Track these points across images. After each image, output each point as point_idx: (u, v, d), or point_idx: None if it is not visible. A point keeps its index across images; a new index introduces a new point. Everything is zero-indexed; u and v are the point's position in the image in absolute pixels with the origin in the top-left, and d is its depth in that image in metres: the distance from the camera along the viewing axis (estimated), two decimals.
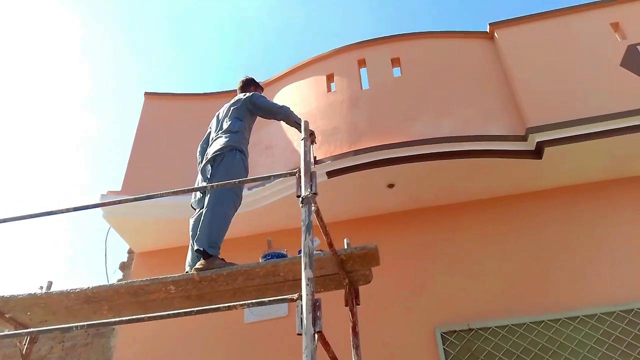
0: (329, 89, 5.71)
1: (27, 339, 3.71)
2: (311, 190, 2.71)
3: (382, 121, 5.15)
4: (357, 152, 4.88)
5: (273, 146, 5.51)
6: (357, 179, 4.95)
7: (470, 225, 5.18)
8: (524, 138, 4.73)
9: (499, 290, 4.71)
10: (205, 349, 4.92)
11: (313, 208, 2.70)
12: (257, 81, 4.35)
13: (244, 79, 4.29)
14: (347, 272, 3.43)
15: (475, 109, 5.07)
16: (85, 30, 16.82)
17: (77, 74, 17.75)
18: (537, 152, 4.72)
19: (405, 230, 5.26)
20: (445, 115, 5.04)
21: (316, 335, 2.19)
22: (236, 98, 4.02)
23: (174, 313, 2.47)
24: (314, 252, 3.50)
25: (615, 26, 5.33)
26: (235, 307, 2.39)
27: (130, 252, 6.00)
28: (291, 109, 3.86)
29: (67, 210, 3.36)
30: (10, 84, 16.54)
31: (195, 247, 3.34)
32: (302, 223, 2.59)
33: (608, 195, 5.03)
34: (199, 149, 4.02)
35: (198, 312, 2.43)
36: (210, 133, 3.99)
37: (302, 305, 2.25)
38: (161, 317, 2.50)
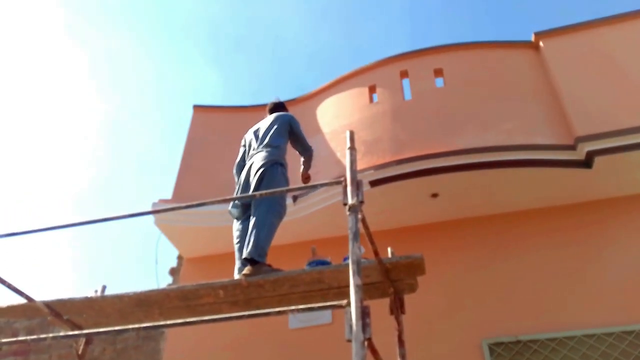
0: (371, 100, 5.77)
1: (83, 340, 3.90)
2: (358, 198, 2.75)
3: (424, 132, 5.16)
4: (399, 162, 4.91)
5: (316, 156, 5.59)
6: (400, 188, 4.96)
7: (516, 235, 5.09)
8: (572, 148, 4.64)
9: (548, 302, 4.61)
10: (251, 354, 5.02)
11: (359, 216, 2.75)
12: (285, 104, 4.56)
13: (275, 101, 4.50)
14: (392, 281, 3.44)
15: (520, 120, 5.02)
16: (128, 45, 17.51)
17: (109, 90, 18.45)
18: (586, 162, 4.62)
19: (450, 240, 5.23)
20: (490, 126, 5.00)
21: (366, 342, 2.23)
22: (276, 115, 4.17)
23: (225, 317, 2.56)
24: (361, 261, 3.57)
25: None
26: (285, 312, 2.46)
27: (179, 257, 6.20)
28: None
29: (123, 217, 3.52)
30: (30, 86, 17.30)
31: (244, 256, 3.44)
32: (349, 231, 2.64)
33: None
34: (235, 167, 4.16)
35: (249, 316, 2.51)
36: (245, 151, 4.13)
37: (351, 312, 2.29)
38: (212, 320, 2.60)
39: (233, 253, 3.85)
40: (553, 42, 5.48)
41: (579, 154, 4.63)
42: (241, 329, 5.03)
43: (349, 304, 2.33)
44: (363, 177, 4.81)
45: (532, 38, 5.61)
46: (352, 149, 3.08)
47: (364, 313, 2.29)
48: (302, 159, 4.20)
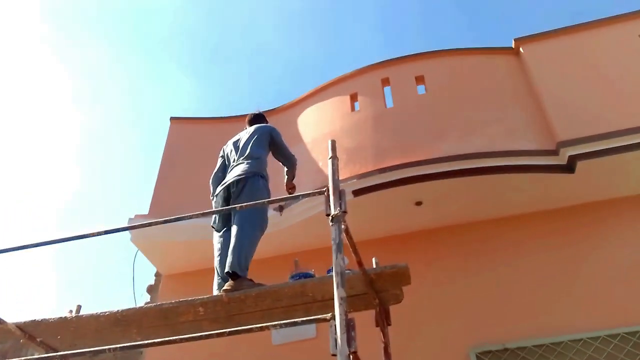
0: (352, 109, 5.72)
1: None
2: (341, 208, 2.68)
3: (407, 139, 5.12)
4: (382, 170, 4.85)
5: (297, 166, 5.51)
6: (383, 197, 4.90)
7: (501, 242, 5.07)
8: (554, 153, 4.64)
9: (535, 308, 4.58)
10: None
11: (342, 226, 2.67)
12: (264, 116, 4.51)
13: (255, 112, 4.46)
14: (377, 292, 3.36)
15: (503, 126, 5.01)
16: (105, 58, 17.29)
17: (87, 101, 18.18)
18: (569, 167, 4.61)
19: (435, 248, 5.17)
20: (472, 132, 4.98)
21: (351, 356, 2.14)
22: (257, 127, 4.10)
23: (205, 335, 2.45)
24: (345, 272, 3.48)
25: None
26: (267, 327, 2.36)
27: (157, 274, 6.03)
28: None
29: (98, 234, 3.38)
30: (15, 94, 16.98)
31: (226, 270, 3.33)
32: (332, 242, 2.56)
33: None
34: (212, 178, 4.06)
35: (230, 333, 2.40)
36: (224, 162, 4.05)
37: (335, 325, 2.20)
38: (193, 339, 2.48)
39: (212, 268, 3.72)
40: (533, 47, 5.51)
41: (561, 158, 4.63)
42: (223, 346, 4.87)
43: (333, 317, 2.24)
44: (346, 186, 4.72)
45: (513, 44, 5.64)
46: (334, 157, 3.01)
47: (348, 326, 2.20)
48: (285, 170, 4.12)
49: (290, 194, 4.04)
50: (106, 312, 3.48)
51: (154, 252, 5.60)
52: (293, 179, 4.09)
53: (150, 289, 5.93)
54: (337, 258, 2.48)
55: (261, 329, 2.37)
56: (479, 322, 4.60)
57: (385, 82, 5.71)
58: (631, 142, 4.45)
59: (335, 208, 2.67)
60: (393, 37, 17.78)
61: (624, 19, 5.42)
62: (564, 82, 5.11)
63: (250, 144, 3.87)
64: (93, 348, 3.11)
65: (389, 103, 5.60)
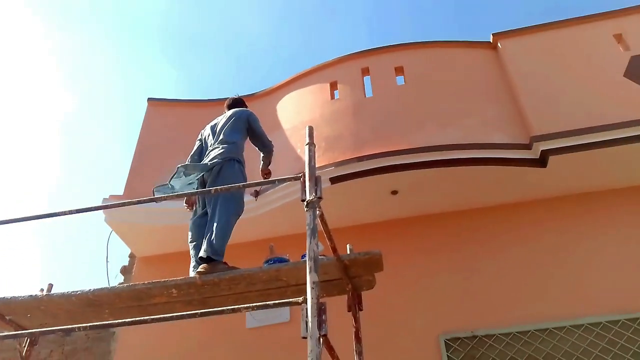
0: (332, 97, 5.73)
1: (27, 341, 3.69)
2: (316, 194, 2.71)
3: (385, 129, 5.16)
4: (360, 159, 4.89)
5: (275, 153, 5.51)
6: (360, 185, 4.95)
7: (474, 232, 5.17)
8: (528, 147, 4.74)
9: (503, 298, 4.70)
10: (206, 354, 4.89)
11: (317, 212, 2.70)
12: (244, 100, 4.51)
13: (235, 97, 4.46)
14: (350, 278, 3.42)
15: (479, 118, 5.09)
16: (80, 44, 16.91)
17: (69, 88, 17.81)
18: (541, 161, 4.72)
19: (409, 237, 5.25)
20: (449, 124, 5.05)
21: (321, 339, 2.18)
22: (234, 111, 4.10)
23: (177, 315, 2.46)
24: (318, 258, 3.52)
25: (619, 37, 5.37)
26: (240, 309, 2.38)
27: (131, 256, 5.99)
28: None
29: (70, 212, 3.35)
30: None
31: (200, 255, 3.33)
32: (307, 227, 2.59)
33: (613, 203, 5.03)
34: (188, 159, 4.04)
35: (202, 314, 2.42)
36: (201, 145, 4.03)
37: (307, 309, 2.24)
38: (164, 319, 2.49)
39: (187, 252, 3.72)
40: (511, 42, 5.59)
41: (534, 152, 4.73)
42: (196, 330, 4.91)
43: (305, 301, 2.28)
44: (323, 173, 4.75)
45: (491, 38, 5.71)
46: (311, 144, 3.03)
47: (320, 310, 2.25)
48: (261, 155, 4.12)
49: (265, 179, 4.05)
50: (78, 291, 3.46)
51: (128, 234, 5.55)
52: (269, 165, 4.11)
53: (124, 270, 5.89)
54: (310, 243, 2.51)
55: (233, 310, 2.40)
56: (449, 310, 4.71)
57: (365, 71, 5.73)
58: (602, 139, 4.57)
59: (310, 194, 2.70)
60: (376, 29, 17.78)
61: (600, 17, 5.53)
62: (540, 77, 5.21)
63: (227, 129, 3.87)
64: (64, 327, 3.11)
65: (369, 93, 5.63)
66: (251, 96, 6.08)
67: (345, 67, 5.81)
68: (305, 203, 2.68)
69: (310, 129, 3.07)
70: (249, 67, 18.51)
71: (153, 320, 2.56)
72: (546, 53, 5.44)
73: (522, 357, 4.37)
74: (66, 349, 5.32)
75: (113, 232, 5.52)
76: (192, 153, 4.07)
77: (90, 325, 2.78)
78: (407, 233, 5.29)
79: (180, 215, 5.11)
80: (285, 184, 4.90)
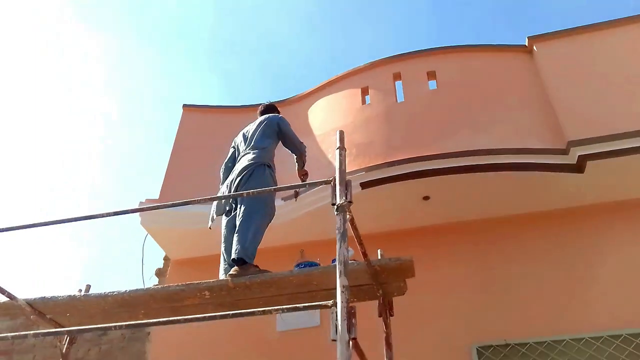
0: (363, 102, 5.74)
1: (66, 339, 3.83)
2: (346, 198, 2.71)
3: (417, 134, 5.14)
4: (391, 164, 4.87)
5: (307, 159, 5.55)
6: (391, 191, 4.93)
7: (507, 240, 5.07)
8: (564, 152, 4.63)
9: (538, 306, 4.59)
10: (237, 356, 4.94)
11: (348, 217, 2.71)
12: (276, 106, 4.58)
13: (267, 104, 4.54)
14: (381, 283, 3.41)
15: (513, 124, 5.01)
16: (119, 51, 17.44)
17: (109, 92, 18.36)
18: (578, 167, 4.60)
19: (441, 243, 5.19)
20: (482, 130, 4.98)
21: (351, 343, 2.18)
22: (265, 117, 4.18)
23: (209, 316, 2.51)
24: (348, 261, 3.52)
25: None
26: (270, 312, 2.41)
27: (166, 259, 6.12)
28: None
29: (107, 215, 3.46)
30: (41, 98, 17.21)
31: (232, 257, 3.39)
32: (336, 231, 2.60)
33: None
34: (222, 167, 4.14)
35: (234, 315, 2.46)
36: (235, 152, 4.11)
37: (336, 312, 2.24)
38: (197, 319, 2.54)
39: (220, 255, 3.79)
40: (546, 46, 5.48)
41: (571, 158, 4.61)
42: (228, 332, 4.97)
43: (334, 304, 2.28)
44: (354, 179, 4.76)
45: (526, 42, 5.61)
46: (342, 148, 3.05)
47: (349, 313, 2.25)
48: (295, 158, 4.16)
49: (303, 180, 4.08)
50: (114, 292, 3.56)
51: (162, 237, 5.68)
52: (303, 166, 4.13)
53: (159, 273, 6.03)
54: (340, 247, 2.52)
55: (264, 312, 2.43)
56: (482, 318, 4.62)
57: (397, 76, 5.71)
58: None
59: (340, 198, 2.72)
60: (404, 34, 17.69)
61: (638, 20, 5.36)
62: (576, 81, 5.09)
63: (258, 135, 3.94)
64: (101, 325, 3.20)
65: (400, 98, 5.61)
66: (283, 102, 6.15)
67: (377, 72, 5.81)
68: (335, 207, 2.69)
69: (341, 134, 3.09)
70: (280, 74, 18.71)
71: (186, 320, 2.61)
72: (582, 56, 5.31)
73: None
74: (103, 348, 5.48)
75: (148, 235, 5.66)
76: (225, 160, 4.16)
77: (126, 325, 2.86)
78: (439, 240, 5.23)
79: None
80: (316, 188, 4.93)
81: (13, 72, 16.53)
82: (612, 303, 4.47)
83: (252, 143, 3.90)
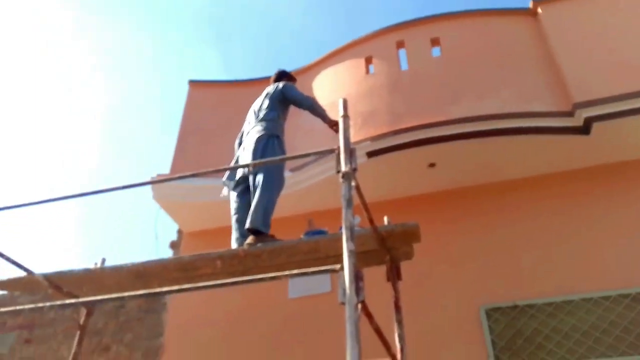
0: (367, 72, 5.72)
1: (84, 312, 3.96)
2: (351, 165, 2.75)
3: (422, 102, 5.13)
4: (396, 132, 4.89)
5: (314, 130, 5.56)
6: (397, 159, 4.96)
7: (514, 204, 5.10)
8: (570, 114, 4.61)
9: (546, 268, 4.64)
10: (250, 323, 5.09)
11: (353, 184, 2.75)
12: (289, 72, 4.52)
13: (277, 71, 4.47)
14: (388, 249, 3.47)
15: (519, 88, 4.98)
16: (116, 26, 17.32)
17: (108, 74, 18.32)
18: (584, 129, 4.59)
19: (448, 209, 5.24)
20: (488, 95, 4.96)
21: (359, 306, 2.25)
22: (270, 88, 4.18)
23: (221, 283, 2.59)
24: (355, 229, 3.59)
25: None
26: (279, 277, 2.48)
27: (179, 231, 6.25)
28: (316, 101, 4.02)
29: (118, 188, 3.53)
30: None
31: (247, 226, 3.45)
32: (342, 198, 2.64)
33: None
34: (237, 140, 4.17)
35: (245, 282, 2.54)
36: (248, 123, 4.14)
37: (344, 276, 2.31)
38: (208, 287, 2.62)
39: (231, 227, 3.86)
40: (551, 8, 5.40)
41: (577, 120, 4.60)
42: (241, 300, 5.11)
43: (342, 269, 2.35)
44: (360, 148, 4.77)
45: (530, 5, 5.53)
46: (346, 116, 3.07)
47: (357, 276, 2.31)
48: (313, 116, 4.12)
49: (336, 132, 3.98)
50: (128, 264, 3.66)
51: (175, 210, 5.78)
52: (326, 118, 3.94)
53: (173, 245, 6.16)
54: (346, 213, 2.57)
55: (273, 278, 2.49)
56: (490, 281, 4.69)
57: (400, 44, 5.67)
58: None
59: (345, 165, 2.75)
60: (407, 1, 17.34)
61: None
62: (582, 43, 5.03)
63: (265, 107, 3.96)
64: (117, 294, 3.31)
65: (404, 66, 5.58)
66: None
67: (380, 41, 5.77)
68: (340, 174, 2.73)
69: (345, 102, 3.11)
70: (286, 47, 18.53)
71: (197, 288, 2.70)
72: (588, 17, 5.24)
73: (566, 327, 4.33)
74: (120, 319, 5.65)
75: (161, 209, 5.76)
76: (240, 134, 4.18)
77: (141, 293, 2.96)
78: (445, 205, 5.28)
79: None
80: (323, 158, 4.98)
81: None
82: (620, 262, 4.50)
83: (261, 115, 3.93)
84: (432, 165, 5.09)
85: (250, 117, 4.09)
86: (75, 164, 17.96)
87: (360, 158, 4.81)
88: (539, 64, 5.08)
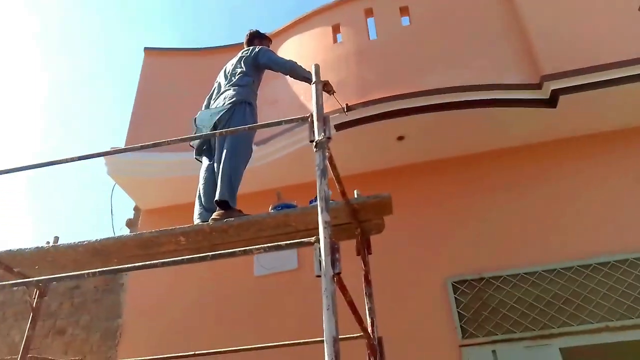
0: (335, 41, 5.55)
1: (36, 292, 3.71)
2: (325, 134, 2.61)
3: (391, 72, 5.01)
4: (365, 104, 4.76)
5: (279, 100, 5.38)
6: (366, 131, 4.84)
7: (481, 176, 5.10)
8: (538, 87, 4.60)
9: (510, 240, 4.68)
10: (215, 303, 4.94)
11: (327, 153, 2.62)
12: (263, 33, 4.27)
13: (248, 32, 4.24)
14: (359, 222, 3.39)
15: (488, 59, 4.91)
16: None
17: (58, 47, 17.35)
18: (551, 101, 4.59)
19: (416, 183, 5.19)
20: (457, 66, 4.89)
21: (335, 278, 2.15)
22: (245, 50, 3.95)
23: (188, 258, 2.43)
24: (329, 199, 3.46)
25: None
26: (251, 251, 2.34)
27: (136, 209, 5.97)
28: (298, 63, 3.74)
29: (71, 160, 3.28)
30: None
31: (216, 198, 3.26)
32: (316, 168, 2.51)
33: (624, 144, 4.91)
34: (205, 102, 3.92)
35: (213, 257, 2.38)
36: (218, 87, 3.89)
37: (320, 248, 2.19)
38: (175, 262, 2.46)
39: (192, 204, 3.66)
40: None
41: (544, 92, 4.59)
42: (205, 279, 4.93)
43: (317, 241, 2.23)
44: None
45: None
46: (318, 83, 2.92)
47: (332, 249, 2.20)
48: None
49: (328, 92, 3.72)
50: (84, 242, 3.44)
51: (131, 186, 5.50)
52: (308, 80, 3.49)
53: (130, 223, 5.88)
54: (321, 184, 2.44)
55: (245, 252, 2.35)
56: (456, 254, 4.71)
57: (369, 12, 5.51)
58: (614, 77, 4.41)
59: (319, 134, 2.61)
60: None
61: None
62: (551, 14, 4.99)
63: (237, 71, 3.73)
64: (73, 273, 3.09)
65: (373, 35, 5.44)
66: None
67: (348, 8, 5.59)
68: (314, 144, 2.59)
69: (317, 67, 2.97)
70: (244, 17, 17.98)
71: (163, 264, 2.52)
72: None
73: (530, 297, 4.39)
74: (76, 301, 5.38)
75: (117, 185, 5.47)
76: (207, 96, 3.93)
77: (99, 271, 2.76)
78: (414, 179, 5.23)
79: (183, 166, 5.07)
80: (290, 131, 4.81)
81: None
82: (582, 234, 4.59)
83: (232, 79, 3.69)
84: (400, 138, 5.00)
85: (221, 79, 3.85)
86: (19, 145, 17.04)
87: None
88: (510, 35, 5.02)
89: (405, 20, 5.42)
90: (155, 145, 3.09)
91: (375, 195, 3.22)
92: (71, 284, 5.39)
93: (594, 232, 4.56)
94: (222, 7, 17.78)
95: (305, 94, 5.07)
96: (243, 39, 4.27)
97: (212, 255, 2.39)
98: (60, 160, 3.13)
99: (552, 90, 4.54)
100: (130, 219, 5.92)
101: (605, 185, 4.78)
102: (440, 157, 5.30)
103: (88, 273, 2.62)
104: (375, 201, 3.23)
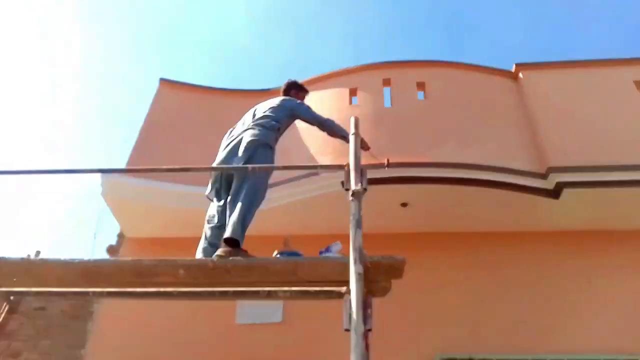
0: (350, 102, 5.67)
1: (5, 306, 3.44)
2: (362, 184, 2.59)
3: (403, 141, 5.10)
4: (375, 166, 4.77)
5: (290, 153, 5.37)
6: (371, 193, 4.77)
7: (480, 256, 5.12)
8: (544, 176, 4.73)
9: (504, 324, 4.66)
10: (191, 344, 4.65)
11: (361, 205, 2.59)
12: (301, 84, 4.28)
13: (287, 81, 4.24)
14: (368, 282, 3.28)
15: (497, 143, 5.08)
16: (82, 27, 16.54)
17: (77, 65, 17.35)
18: (555, 192, 4.71)
19: (414, 252, 4.99)
20: (466, 145, 5.02)
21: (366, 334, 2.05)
22: (283, 98, 3.93)
23: (208, 291, 2.29)
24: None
25: (639, 84, 5.44)
26: (276, 294, 2.24)
27: (120, 235, 5.69)
28: (336, 122, 3.78)
29: (63, 171, 3.18)
30: None
31: (226, 236, 3.14)
32: (351, 217, 2.50)
33: (625, 245, 5.02)
34: (225, 136, 3.86)
35: (235, 293, 2.27)
36: (241, 124, 3.85)
37: (351, 301, 2.11)
38: (192, 295, 2.33)
39: (184, 239, 3.54)
40: (532, 74, 5.65)
41: (549, 183, 4.72)
42: (184, 318, 4.68)
43: (348, 292, 2.15)
44: (335, 177, 4.63)
45: (513, 68, 5.75)
46: (357, 135, 2.95)
47: (365, 303, 2.12)
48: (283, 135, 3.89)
49: (365, 149, 3.68)
50: (77, 260, 3.21)
51: (123, 210, 5.29)
52: (346, 138, 3.57)
53: (111, 250, 5.58)
54: (355, 234, 2.40)
55: (269, 294, 2.25)
56: (448, 330, 4.63)
57: (387, 82, 5.68)
58: (619, 179, 4.59)
59: (356, 184, 2.59)
60: (361, 50, 17.76)
61: (622, 63, 5.64)
62: (559, 111, 5.25)
63: (268, 113, 3.67)
64: (58, 289, 2.88)
65: (387, 103, 5.58)
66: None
67: (367, 75, 5.77)
68: (350, 192, 2.56)
69: (356, 119, 3.01)
70: (239, 66, 18.18)
71: (159, 294, 2.38)
72: (567, 89, 5.51)
73: None
74: (38, 323, 4.98)
75: (106, 208, 5.26)
76: (228, 134, 3.84)
77: (93, 291, 2.60)
78: (412, 248, 5.13)
79: (182, 199, 4.94)
80: (299, 181, 4.78)
81: None
82: (576, 328, 4.59)
83: (261, 120, 3.62)
84: (404, 204, 5.02)
85: (247, 118, 3.81)
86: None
87: (333, 187, 4.66)
88: (519, 123, 5.23)
89: (420, 95, 5.60)
90: (153, 170, 3.05)
91: (390, 256, 3.13)
92: (37, 304, 5.01)
93: (587, 328, 4.57)
94: (214, 58, 18.06)
95: (317, 147, 5.10)
96: (260, 84, 4.32)
97: (233, 291, 2.28)
98: (56, 170, 3.02)
99: (558, 182, 4.67)
100: (112, 246, 5.63)
101: (602, 284, 4.84)
102: (442, 230, 5.31)
103: (89, 292, 2.45)
104: (388, 263, 3.13)
